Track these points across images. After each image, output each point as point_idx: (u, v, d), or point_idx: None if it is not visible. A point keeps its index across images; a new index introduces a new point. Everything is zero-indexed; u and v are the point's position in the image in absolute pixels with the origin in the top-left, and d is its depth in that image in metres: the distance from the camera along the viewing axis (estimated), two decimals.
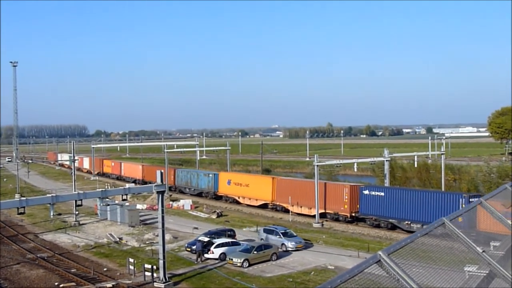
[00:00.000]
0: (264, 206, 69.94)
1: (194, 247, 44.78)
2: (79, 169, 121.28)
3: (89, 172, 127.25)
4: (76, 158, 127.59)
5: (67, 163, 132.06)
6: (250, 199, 71.59)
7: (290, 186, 66.45)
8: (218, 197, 78.10)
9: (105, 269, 41.75)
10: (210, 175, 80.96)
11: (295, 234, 49.17)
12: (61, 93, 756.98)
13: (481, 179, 76.75)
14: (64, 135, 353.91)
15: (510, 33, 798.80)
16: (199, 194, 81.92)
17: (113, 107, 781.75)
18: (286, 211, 65.17)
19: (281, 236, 47.45)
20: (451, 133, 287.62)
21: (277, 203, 67.55)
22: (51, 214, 60.58)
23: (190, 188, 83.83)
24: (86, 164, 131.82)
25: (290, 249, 46.07)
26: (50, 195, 37.32)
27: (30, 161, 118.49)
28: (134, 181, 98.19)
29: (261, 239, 48.39)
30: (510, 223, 7.41)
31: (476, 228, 7.38)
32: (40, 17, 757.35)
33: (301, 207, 63.53)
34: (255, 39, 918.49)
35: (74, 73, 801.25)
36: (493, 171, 76.42)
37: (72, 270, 41.09)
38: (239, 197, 73.93)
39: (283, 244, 46.60)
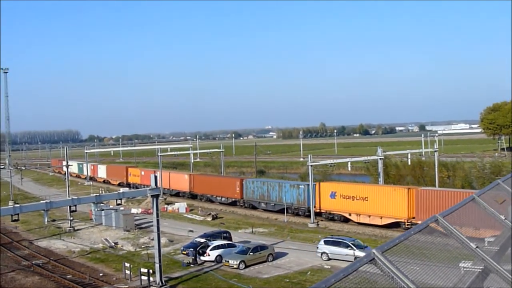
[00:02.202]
0: (391, 225, 54.83)
1: (190, 249, 44.73)
2: (91, 178, 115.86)
3: (107, 182, 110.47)
4: (79, 164, 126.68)
5: (75, 170, 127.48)
6: (370, 216, 56.23)
7: (434, 197, 51.59)
8: (316, 214, 60.97)
9: (101, 274, 41.63)
10: (302, 186, 64.05)
11: (364, 244, 42.86)
12: (53, 98, 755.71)
13: (475, 175, 77.04)
14: (57, 141, 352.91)
15: (500, 30, 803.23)
16: (282, 211, 64.25)
17: (106, 112, 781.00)
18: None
19: (354, 248, 40.94)
20: (444, 130, 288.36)
21: (418, 222, 48.61)
22: (46, 220, 60.81)
23: (268, 202, 67.56)
24: (102, 172, 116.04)
25: None
26: (44, 201, 37.21)
27: (23, 168, 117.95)
28: (177, 194, 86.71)
29: (323, 253, 42.78)
30: (503, 218, 7.45)
31: (470, 223, 7.40)
32: (29, 22, 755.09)
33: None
34: (247, 41, 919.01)
35: (66, 78, 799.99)
36: (486, 167, 76.71)
37: (68, 276, 40.96)
38: (350, 214, 58.74)
39: (356, 258, 42.15)
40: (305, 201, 62.36)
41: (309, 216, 60.75)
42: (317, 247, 43.98)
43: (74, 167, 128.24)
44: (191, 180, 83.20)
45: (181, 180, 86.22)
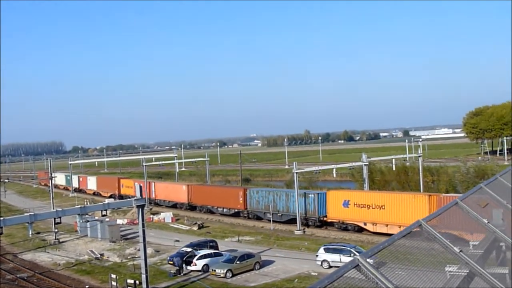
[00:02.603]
0: None
1: (177, 259, 44.49)
2: (80, 190, 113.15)
3: (97, 194, 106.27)
4: (67, 176, 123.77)
5: (62, 182, 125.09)
6: (387, 225, 53.43)
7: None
8: (326, 224, 60.02)
9: (87, 286, 41.23)
10: (311, 195, 61.39)
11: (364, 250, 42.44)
12: (36, 110, 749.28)
13: (459, 179, 77.68)
14: (40, 152, 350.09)
15: (483, 36, 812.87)
16: (290, 221, 62.47)
17: (89, 123, 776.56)
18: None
19: (356, 254, 40.36)
20: (427, 135, 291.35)
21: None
22: (30, 233, 59.99)
23: (274, 212, 63.81)
24: (92, 184, 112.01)
25: None
26: (28, 213, 36.78)
27: (7, 180, 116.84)
28: (175, 205, 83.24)
29: (323, 261, 41.82)
30: (486, 222, 7.52)
31: (454, 228, 7.46)
32: (9, 31, 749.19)
33: None
34: (231, 50, 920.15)
35: (48, 89, 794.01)
36: (470, 171, 77.41)
37: None
38: (365, 224, 56.34)
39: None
40: (316, 211, 59.93)
41: (320, 226, 59.30)
42: (317, 255, 42.91)
43: (61, 179, 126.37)
44: (190, 191, 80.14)
45: (178, 191, 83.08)
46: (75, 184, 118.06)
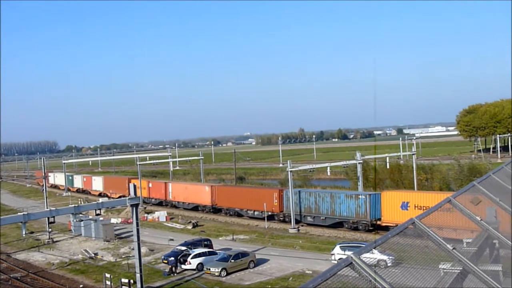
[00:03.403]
0: None
1: (171, 258, 44.45)
2: (83, 191, 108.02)
3: (104, 195, 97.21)
4: (68, 176, 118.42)
5: (62, 182, 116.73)
6: (456, 230, 50.06)
7: None
8: (379, 228, 53.69)
9: (81, 286, 41.16)
10: (362, 196, 56.02)
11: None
12: (29, 109, 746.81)
13: (452, 177, 78.01)
14: (34, 151, 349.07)
15: (475, 33, 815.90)
16: (336, 225, 57.70)
17: (83, 122, 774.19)
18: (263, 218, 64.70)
19: (374, 251, 39.15)
20: (421, 133, 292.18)
21: None
22: (24, 232, 59.56)
23: (316, 215, 59.62)
24: (97, 185, 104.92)
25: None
26: (21, 213, 36.65)
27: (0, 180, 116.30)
28: (196, 208, 77.78)
29: (340, 259, 40.35)
30: (479, 219, 7.54)
31: (447, 225, 7.48)
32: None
33: None
34: (225, 48, 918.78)
35: (41, 88, 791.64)
36: (463, 168, 77.73)
37: None
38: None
39: (379, 261, 41.28)
40: (367, 214, 54.49)
41: (371, 231, 54.12)
42: (332, 253, 41.88)
43: (62, 179, 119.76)
44: (214, 192, 73.98)
45: (200, 192, 76.94)
46: (78, 184, 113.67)
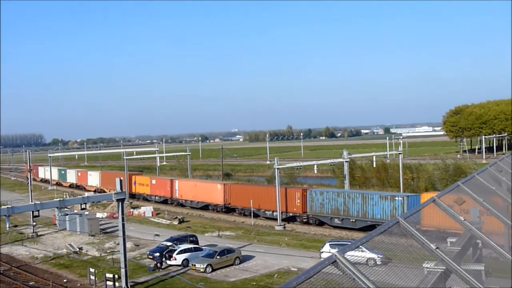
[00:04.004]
0: None
1: (156, 254, 44.35)
2: (78, 187, 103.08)
3: (101, 191, 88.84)
4: (60, 170, 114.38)
5: (55, 177, 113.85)
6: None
7: None
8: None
9: (65, 280, 40.92)
10: (398, 198, 52.27)
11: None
12: (14, 101, 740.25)
13: (438, 177, 78.54)
14: (19, 144, 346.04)
15: (462, 35, 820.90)
16: (367, 228, 50.94)
17: (70, 115, 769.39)
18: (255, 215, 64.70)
19: (364, 249, 38.35)
20: (408, 132, 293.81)
21: None
22: (7, 226, 59.41)
23: (345, 218, 55.73)
24: (93, 180, 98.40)
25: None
26: (5, 206, 36.40)
27: None
28: (206, 207, 73.00)
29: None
30: (463, 219, 7.61)
31: (431, 225, 7.54)
32: None
33: None
34: (214, 45, 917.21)
35: (28, 81, 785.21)
36: (449, 168, 78.30)
37: (31, 283, 40.16)
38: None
39: (368, 260, 40.19)
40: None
41: None
42: (321, 251, 41.49)
43: (54, 174, 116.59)
44: (227, 191, 69.50)
45: (211, 191, 72.32)
46: (71, 179, 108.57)
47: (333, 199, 56.84)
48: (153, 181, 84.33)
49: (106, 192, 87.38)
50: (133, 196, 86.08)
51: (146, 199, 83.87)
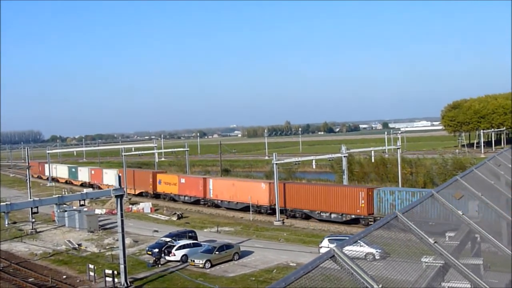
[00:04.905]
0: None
1: (155, 250, 44.38)
2: (91, 185, 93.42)
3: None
4: (71, 167, 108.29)
5: (64, 175, 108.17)
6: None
7: None
8: None
9: (64, 276, 40.97)
10: None
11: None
12: (13, 98, 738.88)
13: (436, 172, 78.60)
14: (18, 141, 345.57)
15: (460, 31, 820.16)
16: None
17: (68, 112, 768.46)
18: (247, 209, 64.52)
19: (362, 244, 37.64)
20: (406, 127, 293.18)
21: None
22: (6, 222, 59.38)
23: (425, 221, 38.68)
24: (110, 179, 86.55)
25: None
26: (4, 203, 36.39)
27: None
28: (245, 208, 65.87)
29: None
30: (461, 213, 7.61)
31: (429, 219, 7.53)
32: None
33: None
34: (212, 41, 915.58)
35: (26, 78, 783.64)
36: (447, 163, 78.38)
37: (30, 279, 40.17)
38: None
39: (367, 254, 39.39)
40: None
41: None
42: (320, 246, 41.12)
43: (63, 171, 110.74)
44: (273, 191, 62.39)
45: (254, 190, 65.60)
46: (83, 177, 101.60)
47: (408, 200, 51.14)
48: (182, 180, 77.80)
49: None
50: (157, 196, 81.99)
51: (173, 199, 78.71)
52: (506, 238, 8.62)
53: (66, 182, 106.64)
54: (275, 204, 60.96)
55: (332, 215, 56.92)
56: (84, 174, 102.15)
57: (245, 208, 65.94)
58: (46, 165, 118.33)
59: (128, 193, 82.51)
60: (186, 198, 76.23)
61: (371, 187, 57.64)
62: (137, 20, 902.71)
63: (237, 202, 67.57)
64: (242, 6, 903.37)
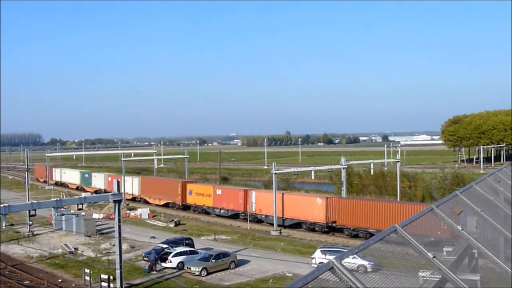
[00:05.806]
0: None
1: (151, 256, 44.24)
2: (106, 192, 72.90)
3: (141, 201, 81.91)
4: (83, 173, 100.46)
5: (75, 180, 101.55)
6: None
7: None
8: None
9: (60, 280, 40.81)
10: None
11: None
12: (14, 100, 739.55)
13: (435, 186, 78.58)
14: (17, 143, 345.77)
15: (461, 44, 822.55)
16: None
17: (68, 115, 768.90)
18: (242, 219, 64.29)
19: (356, 256, 36.80)
20: (406, 141, 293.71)
21: None
22: (3, 224, 59.10)
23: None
24: (128, 187, 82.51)
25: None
26: (2, 205, 36.33)
27: None
28: (298, 224, 60.74)
29: (320, 263, 36.88)
30: (460, 228, 7.61)
31: (428, 234, 7.54)
32: None
33: None
34: (214, 49, 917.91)
35: (27, 80, 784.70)
36: (447, 177, 78.35)
37: (25, 282, 40.04)
38: None
39: (359, 266, 38.95)
40: None
41: None
42: (313, 257, 41.40)
43: (74, 177, 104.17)
44: (330, 206, 57.56)
45: (308, 206, 59.86)
46: (98, 184, 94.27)
47: None
48: (218, 191, 71.02)
49: (149, 201, 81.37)
50: (187, 207, 75.59)
51: (206, 211, 72.15)
52: (504, 255, 8.62)
53: (78, 189, 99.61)
54: (333, 222, 57.27)
55: None
56: (99, 181, 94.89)
57: (295, 225, 61.07)
58: (54, 169, 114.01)
59: (151, 203, 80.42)
60: (222, 211, 69.57)
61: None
62: (139, 24, 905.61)
63: (285, 218, 61.73)
64: (244, 16, 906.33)
